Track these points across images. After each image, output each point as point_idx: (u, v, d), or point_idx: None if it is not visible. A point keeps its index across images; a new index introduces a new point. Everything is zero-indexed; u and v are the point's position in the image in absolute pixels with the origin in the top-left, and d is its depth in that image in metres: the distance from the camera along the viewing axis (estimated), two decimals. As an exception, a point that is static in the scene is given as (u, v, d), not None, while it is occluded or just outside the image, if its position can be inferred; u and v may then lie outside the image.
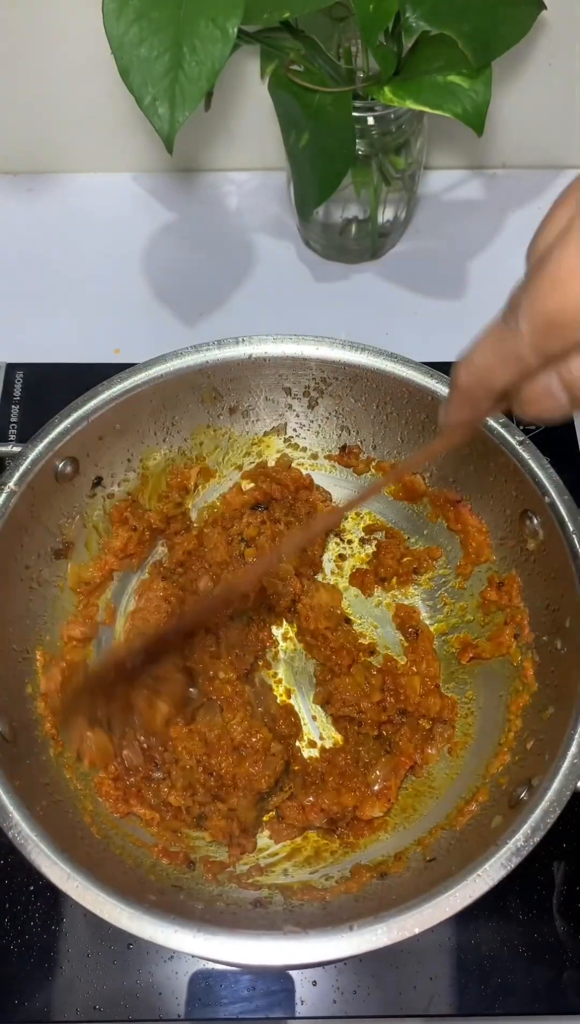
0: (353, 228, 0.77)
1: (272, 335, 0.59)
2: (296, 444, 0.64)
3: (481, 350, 0.37)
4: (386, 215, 0.76)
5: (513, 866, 0.44)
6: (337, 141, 0.64)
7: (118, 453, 0.60)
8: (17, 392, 0.71)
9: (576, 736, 0.47)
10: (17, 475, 0.54)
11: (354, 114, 0.65)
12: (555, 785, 0.46)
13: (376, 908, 0.44)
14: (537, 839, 0.44)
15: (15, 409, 0.70)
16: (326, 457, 0.65)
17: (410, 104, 0.61)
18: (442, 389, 0.57)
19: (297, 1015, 0.52)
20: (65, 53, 0.75)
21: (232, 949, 0.43)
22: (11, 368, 0.72)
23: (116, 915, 0.43)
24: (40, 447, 0.55)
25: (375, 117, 0.67)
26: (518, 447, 0.54)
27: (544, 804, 0.45)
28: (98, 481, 0.60)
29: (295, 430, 0.64)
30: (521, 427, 0.55)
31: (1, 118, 0.81)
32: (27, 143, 0.83)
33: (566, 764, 0.46)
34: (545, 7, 0.65)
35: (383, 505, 0.64)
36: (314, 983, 0.52)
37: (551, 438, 0.67)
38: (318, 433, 0.64)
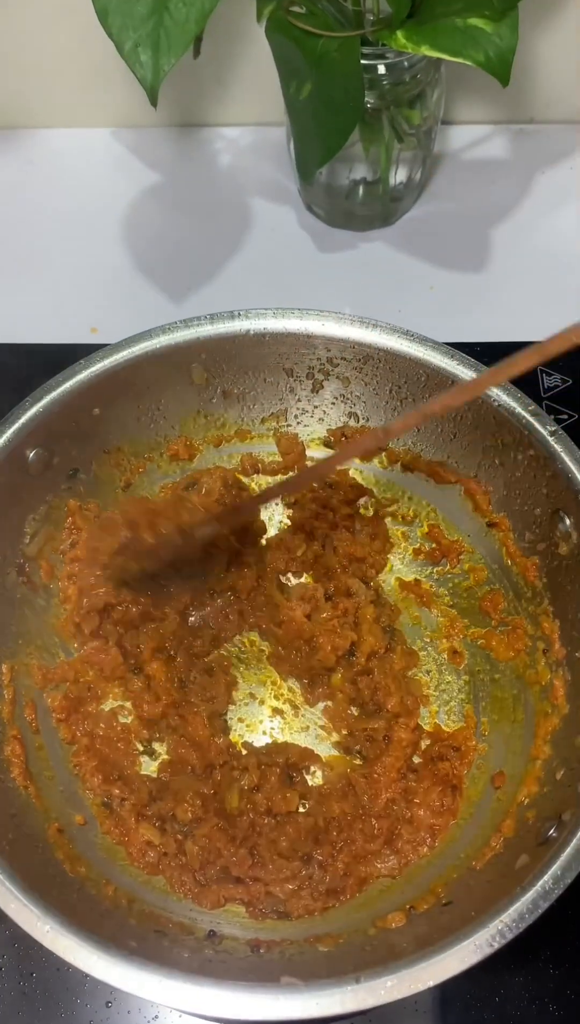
0: (361, 191, 0.78)
1: (272, 309, 0.60)
2: (297, 432, 0.64)
3: None
4: (399, 176, 0.77)
5: (541, 911, 0.44)
6: (343, 92, 0.64)
7: (95, 442, 0.60)
8: (-17, 375, 0.71)
9: (612, 765, 0.47)
10: (-19, 466, 0.54)
11: (363, 62, 0.66)
12: (589, 821, 0.45)
13: (385, 957, 0.44)
14: (568, 880, 0.44)
15: (-19, 394, 0.70)
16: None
17: (426, 51, 0.62)
18: (464, 372, 0.57)
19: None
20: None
21: (223, 1003, 0.43)
22: (-23, 348, 0.72)
23: (91, 963, 0.43)
24: (7, 434, 0.55)
25: (386, 65, 0.68)
26: (549, 439, 0.55)
27: (576, 841, 0.45)
28: (74, 473, 0.59)
29: (297, 416, 0.64)
30: (553, 416, 0.55)
31: (-35, 67, 0.81)
32: (-6, 95, 0.83)
33: (601, 797, 0.46)
34: None
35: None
36: (315, 1040, 0.52)
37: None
38: (322, 420, 0.64)
